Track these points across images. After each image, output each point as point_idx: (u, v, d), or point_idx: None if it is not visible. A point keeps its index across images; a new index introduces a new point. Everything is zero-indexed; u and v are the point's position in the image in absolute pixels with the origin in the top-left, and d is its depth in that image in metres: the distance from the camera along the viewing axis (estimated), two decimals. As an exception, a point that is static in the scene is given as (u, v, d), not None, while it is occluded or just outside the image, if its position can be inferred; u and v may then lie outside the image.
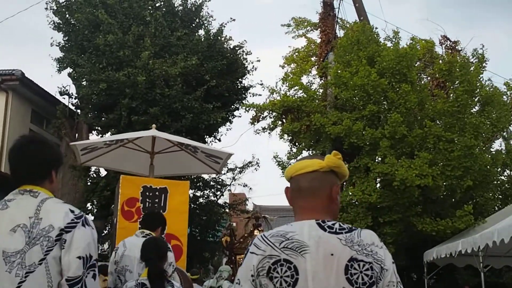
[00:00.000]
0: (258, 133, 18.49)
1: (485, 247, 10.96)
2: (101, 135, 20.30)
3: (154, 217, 6.44)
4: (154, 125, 9.43)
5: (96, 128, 20.09)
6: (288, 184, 2.55)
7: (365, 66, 15.58)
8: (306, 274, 2.23)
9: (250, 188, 23.73)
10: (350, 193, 15.37)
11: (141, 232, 6.13)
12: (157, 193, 8.35)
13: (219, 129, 21.87)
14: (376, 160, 15.60)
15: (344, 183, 15.20)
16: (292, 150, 18.08)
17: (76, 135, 20.51)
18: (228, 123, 22.14)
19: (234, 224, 34.51)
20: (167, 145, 9.42)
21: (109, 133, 19.62)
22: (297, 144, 18.07)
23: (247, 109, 18.95)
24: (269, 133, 18.48)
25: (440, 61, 17.60)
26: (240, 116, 27.10)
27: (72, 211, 2.77)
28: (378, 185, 15.53)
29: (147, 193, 8.30)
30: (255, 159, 23.86)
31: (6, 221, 2.72)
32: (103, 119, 19.37)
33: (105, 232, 20.64)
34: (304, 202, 2.44)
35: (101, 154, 9.45)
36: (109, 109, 18.99)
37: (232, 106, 21.74)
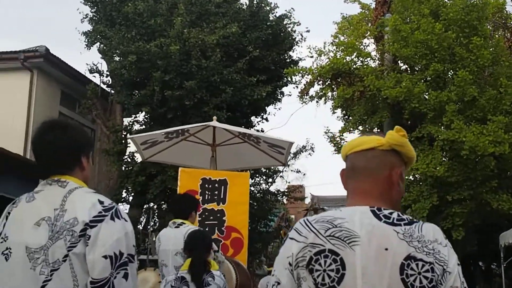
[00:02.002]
0: (305, 102, 16.35)
1: None
2: (134, 115, 18.96)
3: (183, 203, 6.25)
4: (215, 117, 9.30)
5: (128, 107, 18.55)
6: (344, 166, 2.25)
7: (427, 18, 13.38)
8: (354, 270, 1.93)
9: (304, 174, 22.02)
10: (413, 168, 13.16)
11: (173, 223, 5.96)
12: (216, 185, 8.24)
13: (266, 108, 20.31)
14: (442, 128, 13.57)
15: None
16: (345, 123, 16.22)
17: (110, 116, 19.07)
18: (276, 102, 20.51)
19: (293, 216, 33.12)
20: (228, 137, 9.21)
21: (142, 112, 18.11)
22: (350, 117, 15.95)
23: (291, 78, 16.95)
24: (317, 101, 16.54)
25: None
26: (290, 95, 25.39)
27: (101, 202, 2.55)
28: (445, 158, 13.63)
29: (206, 185, 8.20)
30: (309, 143, 22.08)
31: (31, 214, 2.56)
32: (135, 96, 17.85)
33: (141, 220, 19.26)
34: (357, 185, 2.15)
35: (163, 149, 9.32)
36: (141, 85, 17.61)
37: (279, 82, 19.85)
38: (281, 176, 21.90)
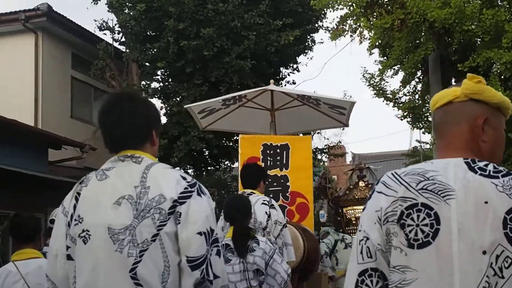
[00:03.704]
0: (339, 37, 14.43)
1: None
2: (149, 73, 17.21)
3: (252, 172, 6.15)
4: (272, 81, 9.05)
5: (143, 63, 16.98)
6: None
7: None
8: (450, 225, 1.85)
9: (343, 129, 20.34)
10: None
11: (243, 193, 5.89)
12: (278, 150, 8.06)
13: (296, 58, 18.58)
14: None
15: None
16: (385, 61, 14.34)
17: (126, 77, 17.47)
18: (307, 51, 18.76)
19: (335, 176, 31.81)
20: (287, 100, 8.85)
21: (160, 70, 16.39)
22: (389, 54, 14.13)
23: (320, 15, 15.10)
24: (351, 36, 14.53)
25: None
26: (322, 42, 23.56)
27: (184, 178, 2.51)
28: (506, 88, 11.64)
29: (268, 151, 8.04)
30: (347, 96, 20.33)
31: (108, 193, 2.49)
32: (149, 51, 16.16)
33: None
34: (443, 142, 2.07)
35: (221, 116, 9.13)
36: (154, 38, 16.11)
37: (308, 26, 18.11)
38: (318, 133, 20.30)
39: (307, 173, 8.17)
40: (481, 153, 2.01)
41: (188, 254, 2.38)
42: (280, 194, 7.88)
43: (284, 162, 8.01)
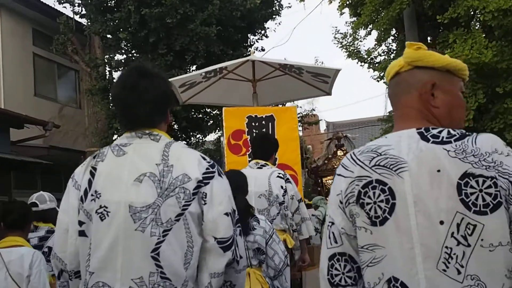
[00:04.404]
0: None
1: None
2: (112, 46, 16.50)
3: (266, 143, 6.03)
4: (252, 50, 9.51)
5: (104, 35, 16.33)
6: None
7: None
8: (405, 198, 1.84)
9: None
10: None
11: (255, 163, 5.79)
12: (263, 122, 8.01)
13: (264, 23, 18.04)
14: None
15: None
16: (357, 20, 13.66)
17: (89, 52, 16.83)
18: (275, 16, 18.20)
19: (310, 146, 31.54)
20: (269, 70, 8.79)
21: (122, 41, 15.79)
22: (361, 12, 13.52)
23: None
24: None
25: None
26: (289, 6, 23.04)
27: (204, 158, 2.52)
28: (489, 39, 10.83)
29: (253, 123, 7.97)
30: (318, 62, 19.93)
31: (127, 169, 2.43)
32: (110, 22, 15.58)
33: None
34: (398, 112, 2.08)
35: (202, 89, 9.04)
36: (115, 8, 15.53)
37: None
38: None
39: (294, 144, 8.04)
40: (437, 119, 1.98)
41: (217, 235, 2.38)
42: (268, 166, 7.84)
43: (270, 133, 7.88)
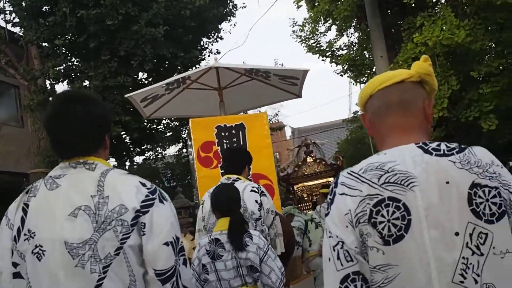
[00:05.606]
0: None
1: None
2: (49, 54, 15.22)
3: (236, 156, 5.89)
4: (214, 56, 9.73)
5: (41, 44, 15.10)
6: (367, 109, 2.19)
7: None
8: (418, 213, 1.86)
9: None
10: (418, 43, 10.27)
11: (227, 178, 5.62)
12: (233, 131, 7.74)
13: (218, 25, 17.20)
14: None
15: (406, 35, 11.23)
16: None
17: (27, 64, 15.47)
18: (229, 17, 17.40)
19: (277, 154, 31.30)
20: (235, 76, 8.72)
21: (63, 49, 14.47)
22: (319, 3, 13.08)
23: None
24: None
25: None
26: (244, 6, 21.94)
27: (144, 185, 2.38)
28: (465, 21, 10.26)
29: (223, 133, 7.69)
30: (278, 64, 19.11)
31: (61, 203, 2.31)
32: (44, 28, 14.29)
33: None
34: (394, 121, 2.07)
35: (165, 102, 8.92)
36: (49, 13, 14.32)
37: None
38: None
39: (267, 151, 7.77)
40: (428, 133, 2.08)
41: (156, 267, 2.27)
42: (242, 178, 7.71)
43: (241, 143, 7.73)
